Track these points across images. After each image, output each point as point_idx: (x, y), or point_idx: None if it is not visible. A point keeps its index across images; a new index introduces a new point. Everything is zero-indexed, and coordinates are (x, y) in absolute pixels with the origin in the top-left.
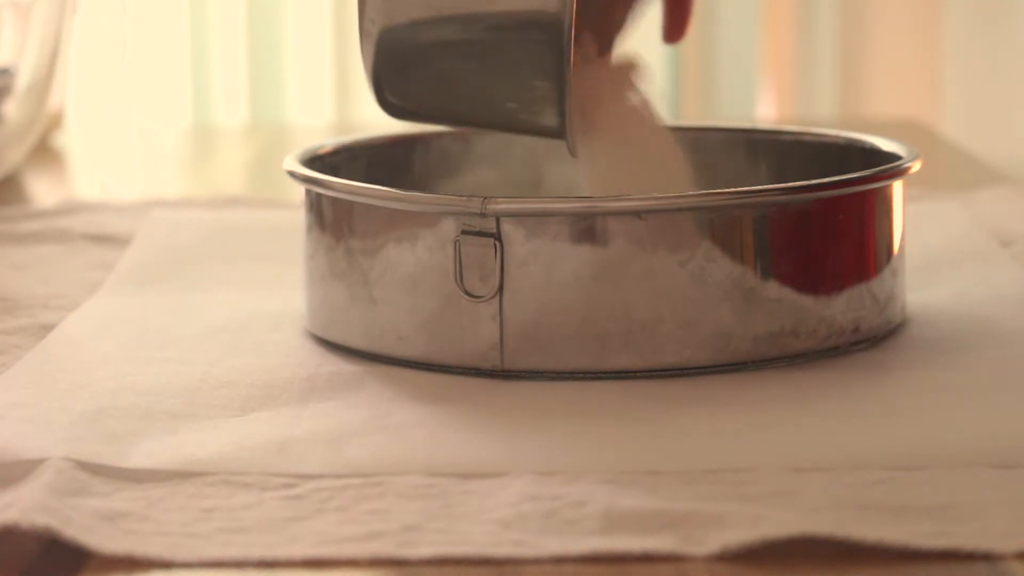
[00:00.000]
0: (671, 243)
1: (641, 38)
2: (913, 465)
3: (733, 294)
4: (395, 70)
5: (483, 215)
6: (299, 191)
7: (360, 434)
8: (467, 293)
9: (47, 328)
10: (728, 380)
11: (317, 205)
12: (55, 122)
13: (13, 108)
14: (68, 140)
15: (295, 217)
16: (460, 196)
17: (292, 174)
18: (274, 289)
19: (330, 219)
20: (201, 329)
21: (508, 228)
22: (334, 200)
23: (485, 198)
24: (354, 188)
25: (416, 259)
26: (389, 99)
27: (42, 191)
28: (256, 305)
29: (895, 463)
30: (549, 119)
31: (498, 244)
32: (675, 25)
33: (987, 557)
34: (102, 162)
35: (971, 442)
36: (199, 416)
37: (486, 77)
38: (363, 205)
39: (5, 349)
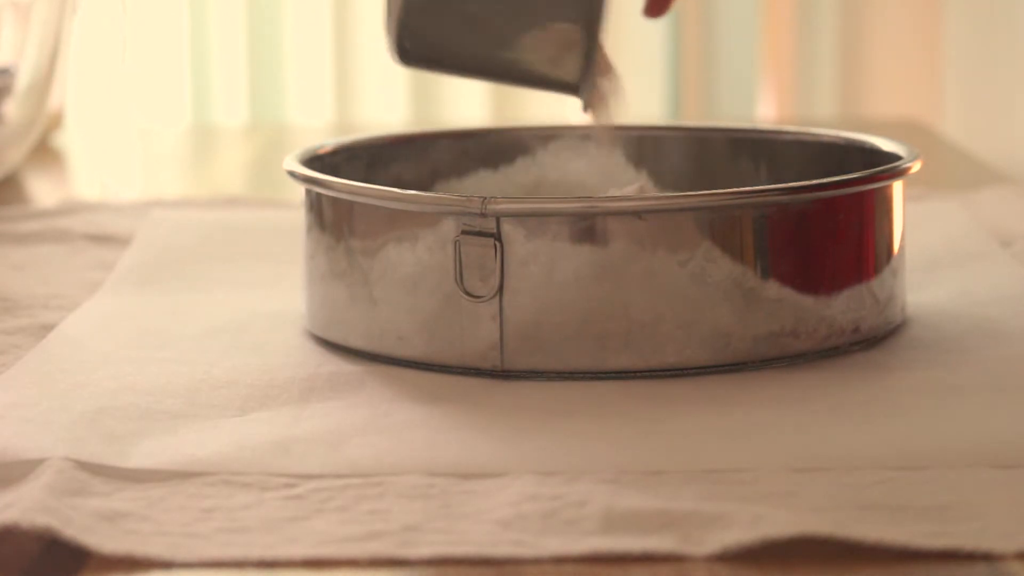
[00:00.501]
0: (671, 243)
1: (640, 37)
2: (913, 465)
3: (733, 294)
4: (421, 10)
5: (483, 215)
6: (299, 191)
7: (360, 434)
8: (467, 293)
9: (47, 328)
10: (728, 380)
11: (317, 205)
12: (55, 122)
13: (13, 108)
14: (68, 140)
15: (295, 217)
16: (460, 196)
17: (292, 174)
18: (274, 289)
19: (330, 219)
20: (201, 329)
21: (508, 228)
22: (334, 200)
23: (485, 198)
24: (354, 188)
25: (416, 259)
26: (407, 44)
27: (42, 191)
28: (256, 305)
29: (895, 463)
30: (569, 72)
31: (498, 244)
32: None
33: (987, 557)
34: (102, 162)
35: (971, 442)
36: (199, 416)
37: (511, 22)
38: (363, 205)
39: (5, 349)
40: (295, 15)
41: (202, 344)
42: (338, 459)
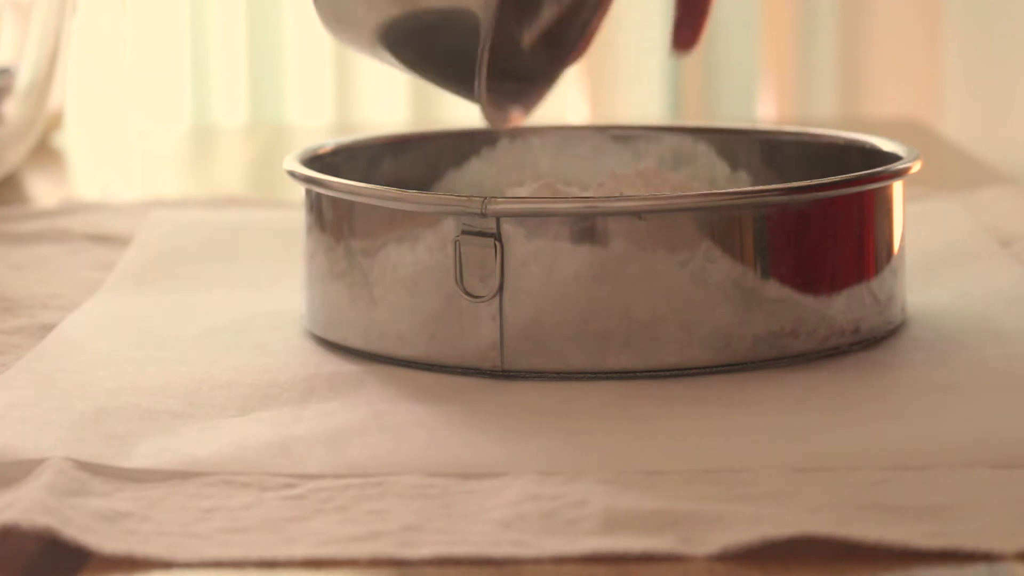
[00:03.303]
0: (671, 243)
1: (640, 37)
2: (913, 465)
3: (733, 294)
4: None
5: (483, 215)
6: (299, 191)
7: (360, 434)
8: (467, 293)
9: (47, 328)
10: (728, 380)
11: (317, 205)
12: (55, 122)
13: (13, 108)
14: (68, 140)
15: (295, 217)
16: (460, 196)
17: (292, 174)
18: (274, 289)
19: (330, 219)
20: (201, 329)
21: (508, 228)
22: (334, 200)
23: (485, 198)
24: (354, 188)
25: (416, 259)
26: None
27: (42, 191)
28: (256, 305)
29: (895, 463)
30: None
31: (498, 244)
32: (687, 30)
33: (987, 557)
34: (102, 162)
35: (971, 442)
36: (199, 416)
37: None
38: (363, 205)
39: (5, 349)
40: (295, 15)
41: (202, 344)
42: (338, 459)
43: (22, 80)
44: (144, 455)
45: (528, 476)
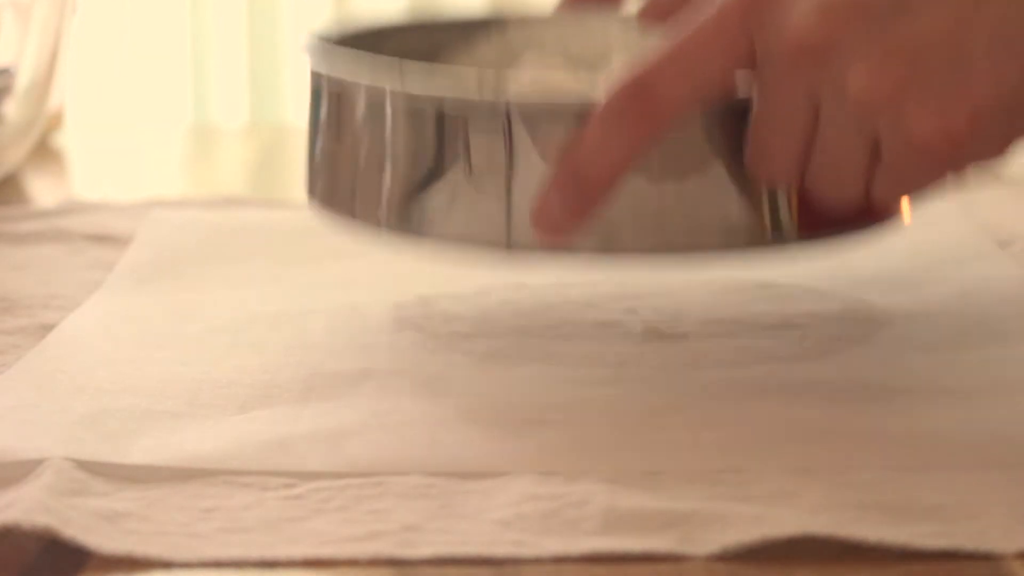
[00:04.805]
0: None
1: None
2: (913, 465)
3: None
4: None
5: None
6: (299, 191)
7: (360, 433)
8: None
9: (47, 328)
10: (728, 381)
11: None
12: (55, 122)
13: (13, 108)
14: (68, 140)
15: (295, 217)
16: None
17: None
18: (274, 289)
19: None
20: (201, 329)
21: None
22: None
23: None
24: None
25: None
26: None
27: (42, 191)
28: (256, 305)
29: (895, 463)
30: None
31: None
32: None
33: (987, 557)
34: (102, 162)
35: (971, 442)
36: (199, 416)
37: None
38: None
39: (5, 349)
40: (295, 15)
41: (202, 344)
42: (338, 458)
43: (22, 80)
44: (144, 455)
45: (528, 476)
